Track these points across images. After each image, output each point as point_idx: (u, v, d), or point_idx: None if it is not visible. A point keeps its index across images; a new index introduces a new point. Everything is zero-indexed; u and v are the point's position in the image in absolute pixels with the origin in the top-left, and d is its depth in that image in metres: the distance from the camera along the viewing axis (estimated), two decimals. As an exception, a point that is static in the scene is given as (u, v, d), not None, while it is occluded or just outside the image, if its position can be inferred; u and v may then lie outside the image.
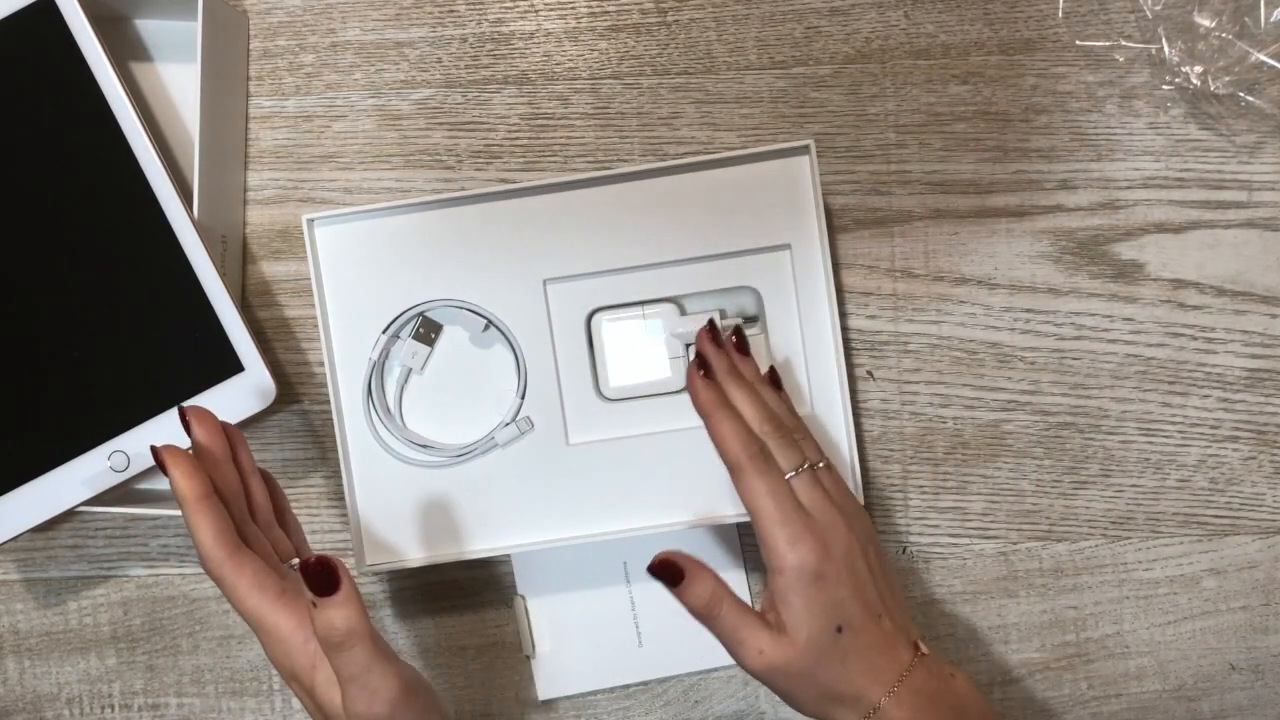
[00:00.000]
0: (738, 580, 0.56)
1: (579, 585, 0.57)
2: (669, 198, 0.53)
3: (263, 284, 0.57)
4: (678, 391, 0.54)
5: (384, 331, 0.54)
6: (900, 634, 0.44)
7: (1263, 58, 0.54)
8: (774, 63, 0.57)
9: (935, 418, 0.57)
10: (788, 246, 0.53)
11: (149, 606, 0.58)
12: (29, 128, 0.51)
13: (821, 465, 0.47)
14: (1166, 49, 0.55)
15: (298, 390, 0.57)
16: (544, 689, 0.57)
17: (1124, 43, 0.56)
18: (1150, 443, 0.57)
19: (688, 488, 0.53)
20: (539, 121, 0.57)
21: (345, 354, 0.54)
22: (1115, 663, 0.57)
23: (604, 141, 0.57)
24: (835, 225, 0.56)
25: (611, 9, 0.57)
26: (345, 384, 0.54)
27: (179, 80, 0.56)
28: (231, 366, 0.50)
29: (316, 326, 0.54)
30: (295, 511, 0.57)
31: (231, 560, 0.41)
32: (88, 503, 0.50)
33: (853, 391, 0.56)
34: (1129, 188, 0.56)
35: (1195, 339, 0.56)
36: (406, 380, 0.55)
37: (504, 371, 0.55)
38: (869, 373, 0.57)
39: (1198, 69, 0.55)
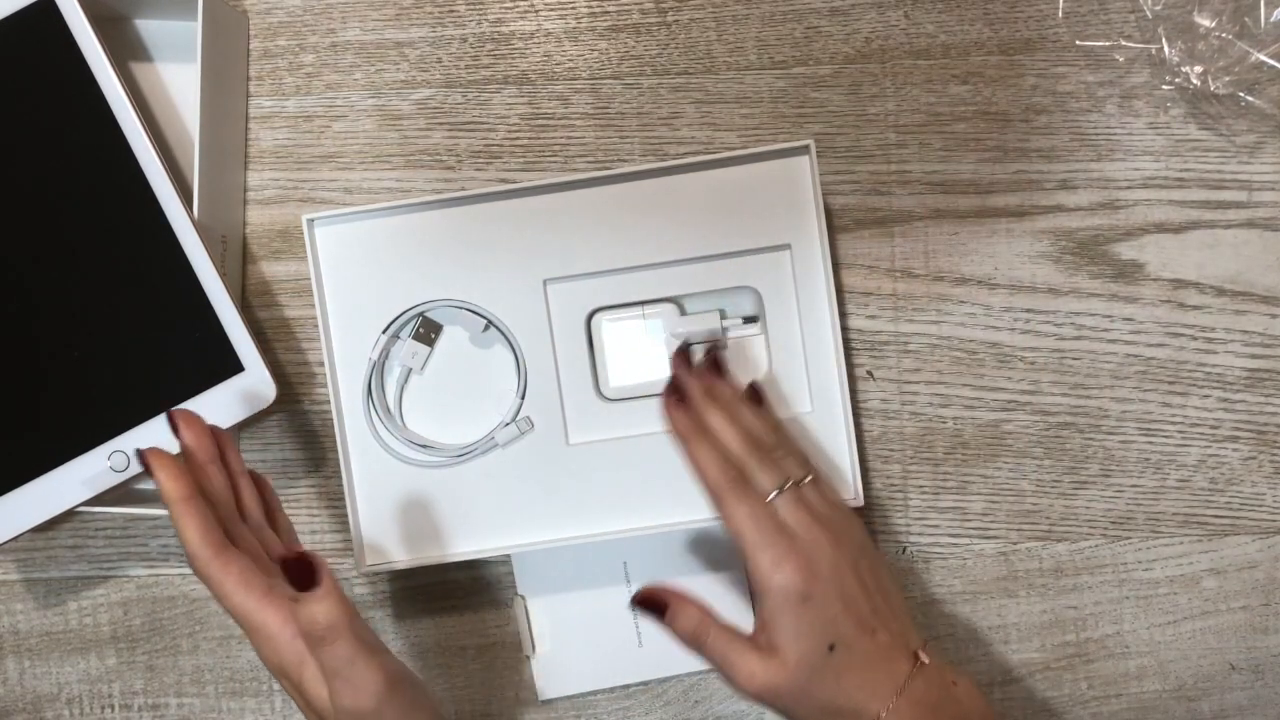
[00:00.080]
0: (737, 581, 0.56)
1: (579, 585, 0.57)
2: (669, 198, 0.53)
3: (263, 284, 0.57)
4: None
5: (384, 331, 0.54)
6: (898, 645, 0.44)
7: (1263, 58, 0.54)
8: (774, 63, 0.57)
9: (935, 418, 0.57)
10: (788, 246, 0.53)
11: (149, 606, 0.58)
12: (29, 128, 0.51)
13: (807, 480, 0.46)
14: (1166, 49, 0.55)
15: (298, 390, 0.57)
16: (544, 689, 0.57)
17: (1124, 43, 0.56)
18: (1150, 443, 0.57)
19: (688, 488, 0.53)
20: (539, 121, 0.57)
21: (345, 354, 0.54)
22: (1115, 663, 0.57)
23: (604, 141, 0.57)
24: (835, 225, 0.56)
25: (611, 9, 0.57)
26: (345, 384, 0.54)
27: (179, 80, 0.56)
28: (231, 366, 0.50)
29: (316, 326, 0.54)
30: (295, 512, 0.57)
31: (218, 559, 0.41)
32: (88, 503, 0.50)
33: (853, 391, 0.56)
34: (1129, 188, 0.56)
35: (1195, 339, 0.56)
36: (406, 380, 0.55)
37: (504, 371, 0.55)
38: (869, 373, 0.57)
39: (1198, 69, 0.55)
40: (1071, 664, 0.57)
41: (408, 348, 0.54)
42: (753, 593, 0.43)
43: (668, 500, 0.53)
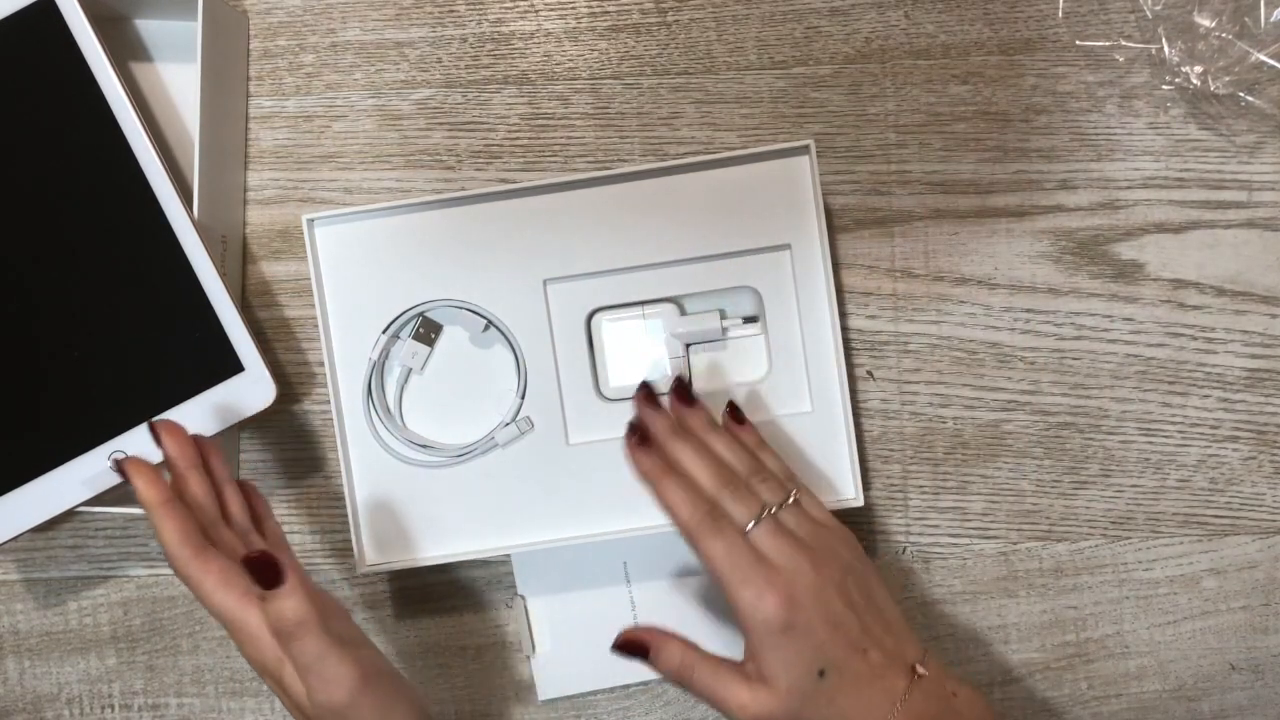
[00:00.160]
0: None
1: (579, 585, 0.57)
2: (669, 198, 0.53)
3: (263, 284, 0.57)
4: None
5: (384, 331, 0.54)
6: (892, 662, 0.43)
7: (1263, 58, 0.54)
8: (774, 63, 0.57)
9: (935, 418, 0.57)
10: (788, 246, 0.53)
11: (149, 606, 0.58)
12: (29, 128, 0.51)
13: (789, 502, 0.45)
14: (1166, 49, 0.55)
15: (298, 390, 0.57)
16: (544, 689, 0.57)
17: (1124, 43, 0.56)
18: (1150, 443, 0.57)
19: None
20: (539, 121, 0.57)
21: (345, 354, 0.54)
22: (1115, 663, 0.57)
23: (604, 141, 0.57)
24: (835, 225, 0.56)
25: (611, 9, 0.57)
26: (345, 384, 0.54)
27: (179, 80, 0.56)
28: (231, 366, 0.50)
29: (316, 326, 0.54)
30: (295, 511, 0.57)
31: (197, 559, 0.42)
32: (88, 503, 0.50)
33: (853, 391, 0.56)
34: (1129, 188, 0.56)
35: (1195, 339, 0.56)
36: (406, 380, 0.55)
37: (504, 371, 0.55)
38: (869, 373, 0.57)
39: (1198, 69, 0.55)
40: (1071, 664, 0.57)
41: (408, 348, 0.54)
42: (739, 626, 0.43)
43: (668, 500, 0.53)
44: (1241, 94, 0.55)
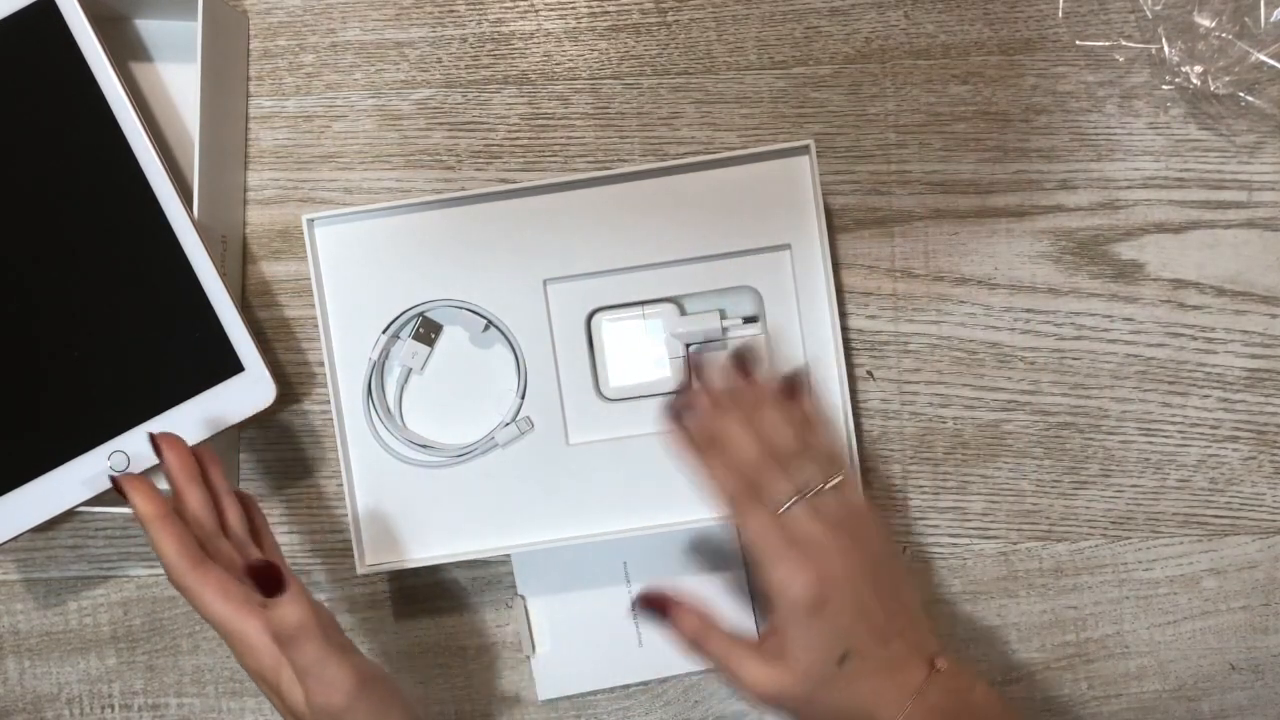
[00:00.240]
0: (737, 580, 0.56)
1: (579, 585, 0.57)
2: (669, 198, 0.53)
3: (263, 284, 0.57)
4: (678, 391, 0.54)
5: (384, 331, 0.54)
6: (913, 653, 0.43)
7: (1263, 58, 0.54)
8: (774, 63, 0.57)
9: (935, 418, 0.57)
10: (788, 246, 0.53)
11: (149, 606, 0.58)
12: (29, 128, 0.51)
13: (830, 485, 0.44)
14: (1166, 49, 0.55)
15: (298, 390, 0.57)
16: (544, 689, 0.57)
17: (1124, 43, 0.56)
18: (1150, 443, 0.57)
19: (688, 488, 0.53)
20: (539, 121, 0.57)
21: (345, 354, 0.54)
22: (1115, 663, 0.57)
23: (604, 141, 0.57)
24: (835, 225, 0.56)
25: (611, 9, 0.57)
26: (345, 384, 0.54)
27: (179, 80, 0.56)
28: (231, 366, 0.50)
29: (316, 326, 0.54)
30: (295, 511, 0.57)
31: (195, 571, 0.43)
32: (88, 503, 0.50)
33: (853, 391, 0.56)
34: (1129, 188, 0.56)
35: (1195, 339, 0.56)
36: (406, 380, 0.55)
37: (504, 371, 0.55)
38: (869, 373, 0.57)
39: (1198, 69, 0.55)
40: (1071, 664, 0.57)
41: (408, 348, 0.54)
42: (765, 603, 0.43)
43: (668, 500, 0.53)
44: (1241, 94, 0.55)
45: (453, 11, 0.57)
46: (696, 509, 0.53)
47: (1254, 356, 0.57)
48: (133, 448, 0.50)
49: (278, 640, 0.42)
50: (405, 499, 0.54)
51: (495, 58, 0.57)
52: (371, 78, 0.57)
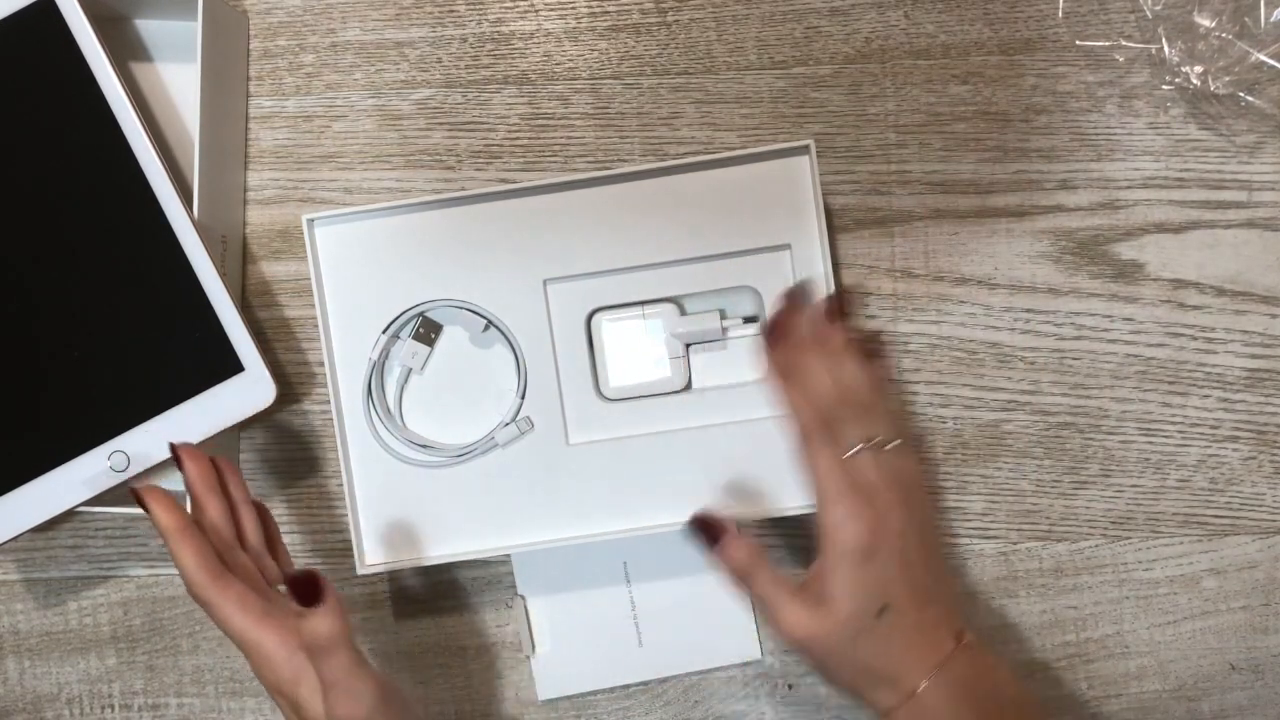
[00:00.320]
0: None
1: (579, 585, 0.57)
2: (669, 198, 0.53)
3: (263, 284, 0.57)
4: (678, 391, 0.54)
5: (384, 331, 0.54)
6: (945, 622, 0.44)
7: (1263, 58, 0.54)
8: (774, 63, 0.57)
9: (935, 418, 0.57)
10: (788, 246, 0.53)
11: (149, 606, 0.58)
12: (29, 128, 0.51)
13: (895, 443, 0.44)
14: (1166, 49, 0.55)
15: (298, 390, 0.57)
16: (544, 689, 0.57)
17: (1124, 43, 0.56)
18: (1150, 443, 0.57)
19: (688, 488, 0.53)
20: (539, 121, 0.57)
21: (345, 354, 0.54)
22: (1115, 663, 0.57)
23: (604, 141, 0.57)
24: (835, 225, 0.56)
25: (611, 9, 0.57)
26: (345, 384, 0.54)
27: (179, 80, 0.56)
28: (231, 366, 0.50)
29: (316, 326, 0.54)
30: (295, 511, 0.57)
31: (215, 584, 0.43)
32: (88, 503, 0.50)
33: (853, 391, 0.56)
34: (1129, 188, 0.56)
35: (1195, 339, 0.56)
36: (406, 380, 0.55)
37: (504, 371, 0.55)
38: (869, 373, 0.57)
39: (1198, 69, 0.55)
40: (1071, 664, 0.57)
41: (408, 348, 0.54)
42: (816, 544, 0.43)
43: (668, 500, 0.53)
44: (1241, 94, 0.55)
45: (453, 11, 0.57)
46: (696, 509, 0.53)
47: (1254, 356, 0.57)
48: (133, 448, 0.50)
49: (309, 650, 0.42)
50: (405, 499, 0.54)
51: (495, 58, 0.57)
52: (371, 78, 0.57)
